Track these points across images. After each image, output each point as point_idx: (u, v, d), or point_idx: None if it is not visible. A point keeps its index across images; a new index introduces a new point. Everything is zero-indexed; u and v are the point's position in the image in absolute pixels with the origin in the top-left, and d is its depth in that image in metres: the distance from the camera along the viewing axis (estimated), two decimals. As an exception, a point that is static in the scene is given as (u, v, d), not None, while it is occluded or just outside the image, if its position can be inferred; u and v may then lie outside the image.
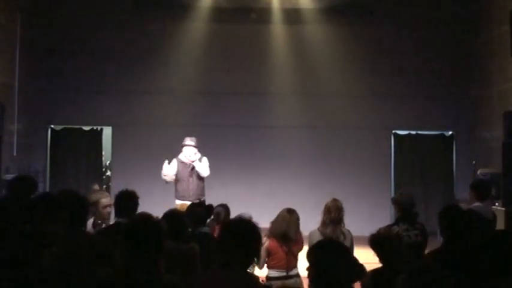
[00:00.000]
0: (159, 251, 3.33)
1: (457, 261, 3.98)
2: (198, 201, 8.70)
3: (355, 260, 3.44)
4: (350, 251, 3.56)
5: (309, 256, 3.38)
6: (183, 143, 10.06)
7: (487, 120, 12.65)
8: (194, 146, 9.99)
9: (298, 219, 6.43)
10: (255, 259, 3.66)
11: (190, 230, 5.84)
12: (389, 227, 5.95)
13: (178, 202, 9.67)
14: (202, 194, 9.90)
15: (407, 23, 13.87)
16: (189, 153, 9.94)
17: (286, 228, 6.34)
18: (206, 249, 5.27)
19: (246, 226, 3.56)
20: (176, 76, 13.69)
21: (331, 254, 3.30)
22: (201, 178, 9.95)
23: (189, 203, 8.61)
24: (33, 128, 13.51)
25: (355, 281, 3.37)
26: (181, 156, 10.02)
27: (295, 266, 6.42)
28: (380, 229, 5.05)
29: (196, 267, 5.05)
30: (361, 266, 3.39)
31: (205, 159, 10.03)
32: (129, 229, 3.39)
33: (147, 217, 3.51)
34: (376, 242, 4.73)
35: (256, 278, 3.69)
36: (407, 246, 5.59)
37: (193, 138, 10.08)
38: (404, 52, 13.83)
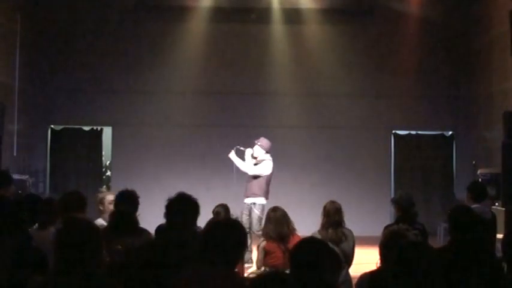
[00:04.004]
0: (94, 254, 3.19)
1: (462, 260, 3.99)
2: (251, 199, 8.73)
3: (337, 257, 3.46)
4: (331, 250, 3.56)
5: (291, 255, 3.41)
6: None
7: (487, 120, 12.64)
8: (260, 145, 9.75)
9: (285, 214, 6.55)
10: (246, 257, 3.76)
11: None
12: (389, 227, 5.92)
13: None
14: (257, 194, 9.54)
15: (407, 23, 13.86)
16: (255, 151, 9.78)
17: (279, 227, 6.46)
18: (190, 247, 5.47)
19: (233, 226, 3.62)
20: (176, 76, 13.67)
21: (312, 254, 3.32)
22: (256, 177, 9.64)
23: (248, 201, 9.15)
24: (33, 128, 13.51)
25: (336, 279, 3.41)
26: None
27: None
28: (391, 228, 4.94)
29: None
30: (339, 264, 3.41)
31: (265, 163, 9.69)
32: (60, 235, 3.24)
33: (78, 221, 3.40)
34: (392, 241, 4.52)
35: (242, 276, 3.73)
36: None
37: (262, 139, 9.82)
38: (404, 52, 13.82)
